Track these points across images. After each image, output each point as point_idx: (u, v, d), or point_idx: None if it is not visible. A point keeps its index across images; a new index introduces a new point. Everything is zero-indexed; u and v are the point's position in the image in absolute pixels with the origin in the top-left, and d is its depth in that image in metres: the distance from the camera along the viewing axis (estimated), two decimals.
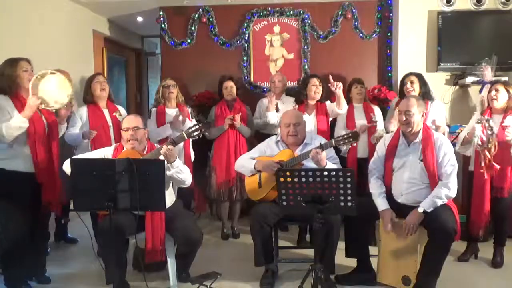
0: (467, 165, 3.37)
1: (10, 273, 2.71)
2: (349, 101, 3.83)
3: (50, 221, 3.14)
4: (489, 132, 2.92)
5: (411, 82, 3.48)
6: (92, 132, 3.20)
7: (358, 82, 3.85)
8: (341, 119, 3.78)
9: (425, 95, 3.46)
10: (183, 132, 2.78)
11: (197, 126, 2.74)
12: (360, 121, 3.70)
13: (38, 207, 2.74)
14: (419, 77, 3.53)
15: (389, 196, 2.77)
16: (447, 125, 3.72)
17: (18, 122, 2.55)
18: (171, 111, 3.71)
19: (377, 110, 3.84)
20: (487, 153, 2.94)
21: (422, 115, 2.74)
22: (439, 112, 3.47)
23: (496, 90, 3.12)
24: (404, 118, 2.71)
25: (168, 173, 2.62)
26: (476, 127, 2.97)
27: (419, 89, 3.47)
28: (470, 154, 3.21)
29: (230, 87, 3.91)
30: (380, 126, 3.72)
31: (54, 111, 2.78)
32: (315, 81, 3.75)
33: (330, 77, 3.62)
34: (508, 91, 3.11)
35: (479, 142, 2.95)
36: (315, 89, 3.72)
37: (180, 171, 2.72)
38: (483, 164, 2.97)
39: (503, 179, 3.05)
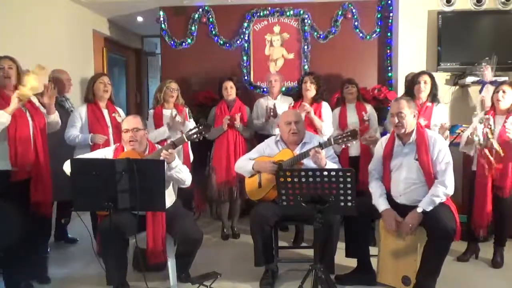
0: (469, 165, 3.36)
1: (10, 274, 2.71)
2: (342, 101, 3.84)
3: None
4: (489, 131, 2.92)
5: (425, 82, 3.36)
6: (103, 137, 3.19)
7: (349, 82, 3.82)
8: (334, 119, 3.77)
9: (434, 97, 3.40)
10: (183, 134, 2.77)
11: (197, 129, 2.72)
12: (352, 120, 3.70)
13: (29, 207, 2.68)
14: (432, 77, 3.41)
15: (389, 197, 2.77)
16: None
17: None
18: (168, 112, 3.69)
19: (370, 109, 3.81)
20: (487, 151, 2.95)
21: (414, 116, 2.74)
22: (443, 115, 3.41)
23: (503, 91, 3.09)
24: (397, 120, 2.71)
25: (167, 173, 2.61)
26: (477, 127, 2.97)
27: (429, 90, 3.38)
28: (473, 154, 3.20)
29: (230, 87, 3.89)
30: (374, 125, 3.74)
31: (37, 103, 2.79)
32: (306, 79, 3.79)
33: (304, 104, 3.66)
34: None
35: (481, 141, 2.95)
36: (306, 87, 3.75)
37: (180, 171, 2.72)
38: (485, 164, 2.97)
39: (505, 178, 3.04)
